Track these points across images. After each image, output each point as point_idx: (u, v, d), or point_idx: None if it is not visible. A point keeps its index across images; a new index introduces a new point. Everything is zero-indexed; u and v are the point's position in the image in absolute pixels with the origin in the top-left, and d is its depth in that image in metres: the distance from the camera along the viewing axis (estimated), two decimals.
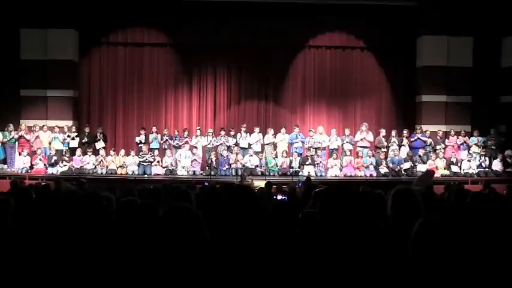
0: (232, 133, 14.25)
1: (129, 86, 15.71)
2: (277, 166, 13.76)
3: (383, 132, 14.38)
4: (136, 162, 13.60)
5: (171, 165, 13.61)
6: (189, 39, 15.35)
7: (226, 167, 13.60)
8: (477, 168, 13.75)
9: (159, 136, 14.31)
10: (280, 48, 15.54)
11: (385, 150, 14.09)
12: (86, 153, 13.62)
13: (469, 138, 14.48)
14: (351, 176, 13.43)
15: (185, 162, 13.63)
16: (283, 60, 15.81)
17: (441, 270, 2.11)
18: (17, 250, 2.80)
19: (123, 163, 13.61)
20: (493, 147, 14.14)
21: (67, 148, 13.80)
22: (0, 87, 14.65)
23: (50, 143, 13.84)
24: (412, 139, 14.28)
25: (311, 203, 4.20)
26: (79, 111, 15.46)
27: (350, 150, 14.20)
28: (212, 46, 15.40)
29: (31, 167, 13.33)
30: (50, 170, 13.25)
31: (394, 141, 14.08)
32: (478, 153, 14.01)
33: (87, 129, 14.33)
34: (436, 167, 13.69)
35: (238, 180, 11.71)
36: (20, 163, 13.34)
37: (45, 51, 14.63)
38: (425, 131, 14.47)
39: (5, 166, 13.85)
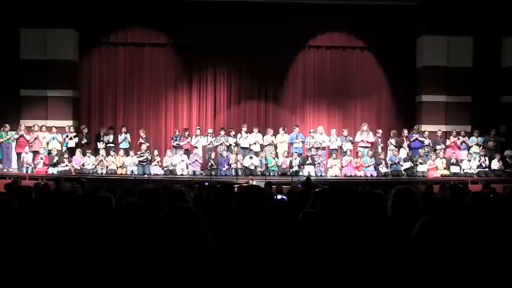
0: (232, 133, 14.25)
1: (129, 86, 15.71)
2: (277, 166, 13.77)
3: (379, 133, 14.36)
4: (135, 162, 13.60)
5: (171, 165, 13.61)
6: (189, 39, 15.35)
7: (226, 167, 13.61)
8: (477, 168, 13.75)
9: (128, 136, 14.32)
10: (280, 48, 15.52)
11: (381, 151, 14.09)
12: (86, 154, 13.62)
13: (469, 139, 14.48)
14: (351, 176, 13.43)
15: (182, 166, 13.61)
16: (283, 60, 15.80)
17: (442, 270, 2.11)
18: (17, 250, 2.79)
19: (123, 163, 13.61)
20: (492, 148, 14.14)
21: (66, 148, 13.81)
22: (0, 87, 14.66)
23: (47, 143, 13.83)
24: (411, 139, 14.28)
25: (311, 203, 4.20)
26: (79, 111, 15.46)
27: (350, 150, 14.21)
28: (212, 46, 15.40)
29: (34, 167, 13.32)
30: (50, 170, 13.24)
31: (391, 142, 14.06)
32: (478, 153, 14.01)
33: (85, 130, 14.30)
34: (436, 167, 13.70)
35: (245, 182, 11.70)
36: (24, 163, 13.34)
37: (45, 51, 14.63)
38: (424, 131, 14.47)
39: (0, 166, 13.86)
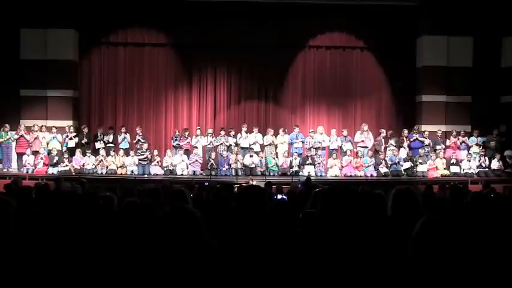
0: (232, 133, 14.25)
1: (129, 86, 15.70)
2: (277, 166, 13.77)
3: (383, 133, 14.35)
4: (135, 162, 13.59)
5: (171, 165, 13.61)
6: (189, 39, 15.34)
7: (226, 167, 13.61)
8: (477, 168, 13.75)
9: (128, 136, 14.31)
10: (280, 48, 15.50)
11: (382, 151, 14.09)
12: (86, 154, 13.61)
13: (469, 139, 14.48)
14: (351, 176, 13.42)
15: (182, 165, 13.61)
16: (283, 60, 15.79)
17: (442, 270, 2.11)
18: (17, 250, 2.79)
19: (123, 163, 13.60)
20: (494, 148, 14.13)
21: (66, 148, 13.81)
22: (0, 87, 14.65)
23: (47, 143, 13.82)
24: (411, 139, 14.28)
25: (311, 203, 4.20)
26: (79, 111, 15.46)
27: (350, 150, 14.21)
28: (212, 46, 15.39)
29: (34, 167, 13.31)
30: (50, 170, 13.24)
31: (392, 143, 14.05)
32: (478, 153, 14.01)
33: (85, 130, 14.30)
34: (436, 167, 13.70)
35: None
36: (26, 165, 13.33)
37: (45, 51, 14.63)
38: (424, 131, 14.47)
39: (0, 166, 13.86)
